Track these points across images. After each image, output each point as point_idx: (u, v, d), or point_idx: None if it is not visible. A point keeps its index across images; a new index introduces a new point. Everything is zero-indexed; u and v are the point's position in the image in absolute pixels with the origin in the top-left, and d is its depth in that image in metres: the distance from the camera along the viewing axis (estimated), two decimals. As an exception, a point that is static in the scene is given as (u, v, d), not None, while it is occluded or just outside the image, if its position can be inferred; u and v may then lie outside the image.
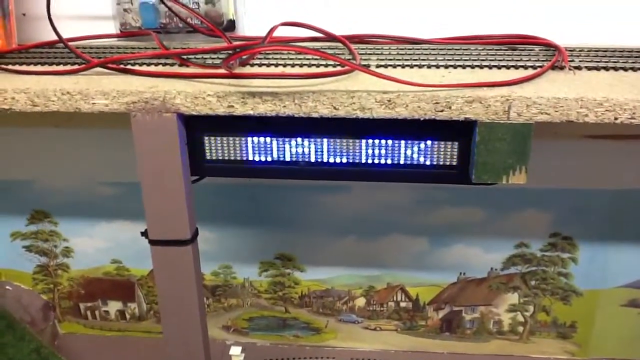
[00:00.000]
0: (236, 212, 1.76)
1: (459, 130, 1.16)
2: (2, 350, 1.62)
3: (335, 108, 1.12)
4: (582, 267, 1.73)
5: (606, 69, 1.24)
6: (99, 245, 1.84)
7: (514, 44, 1.40)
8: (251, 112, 1.14)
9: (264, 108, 1.13)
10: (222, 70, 1.17)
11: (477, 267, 1.77)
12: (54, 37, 1.28)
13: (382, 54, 1.35)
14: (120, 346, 1.98)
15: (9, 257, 1.89)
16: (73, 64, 1.28)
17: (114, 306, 1.95)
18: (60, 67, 1.27)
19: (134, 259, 1.85)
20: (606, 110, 1.08)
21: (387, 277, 1.82)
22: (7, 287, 1.91)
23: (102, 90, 1.15)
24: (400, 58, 1.30)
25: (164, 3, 1.39)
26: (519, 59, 1.29)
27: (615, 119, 1.09)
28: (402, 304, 1.85)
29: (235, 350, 0.97)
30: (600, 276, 1.75)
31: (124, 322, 1.97)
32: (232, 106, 1.14)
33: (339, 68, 1.18)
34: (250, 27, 1.50)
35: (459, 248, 1.74)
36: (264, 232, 1.78)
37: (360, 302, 1.86)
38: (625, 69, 1.24)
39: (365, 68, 1.16)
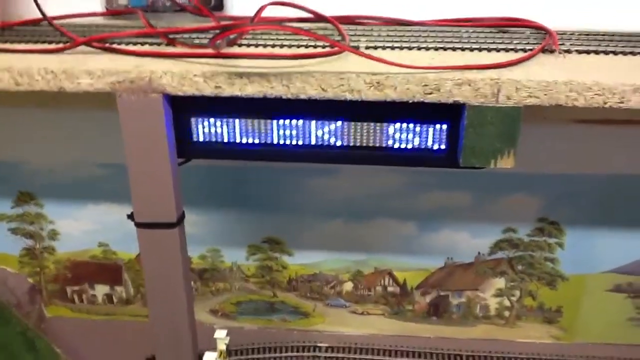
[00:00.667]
0: (224, 195, 1.75)
1: (448, 114, 1.16)
2: (-13, 333, 1.62)
3: (323, 89, 1.11)
4: (569, 252, 1.74)
5: (596, 52, 1.24)
6: (85, 228, 1.82)
7: (505, 26, 1.39)
8: (239, 93, 1.12)
9: (252, 89, 1.12)
10: (209, 50, 1.16)
11: (465, 252, 1.77)
12: (39, 15, 1.26)
13: (371, 35, 1.33)
14: (107, 330, 1.97)
15: (-6, 240, 1.88)
16: (58, 42, 1.26)
17: (101, 290, 1.94)
18: (45, 46, 1.25)
19: (121, 242, 1.84)
20: (595, 94, 1.08)
21: (375, 262, 1.82)
22: (-7, 269, 1.90)
23: (86, 70, 1.13)
24: (390, 40, 1.29)
25: (150, -18, 1.37)
26: (509, 41, 1.28)
27: (605, 103, 1.09)
28: (390, 289, 1.85)
29: (220, 334, 0.96)
30: (586, 261, 1.76)
31: (111, 305, 1.96)
32: (220, 87, 1.12)
33: (328, 49, 1.17)
34: (239, 6, 1.48)
35: (446, 233, 1.75)
36: (252, 215, 1.77)
37: (348, 286, 1.87)
38: (615, 53, 1.24)
39: (354, 49, 1.15)
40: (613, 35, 1.35)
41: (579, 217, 1.69)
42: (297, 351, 1.87)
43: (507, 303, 1.84)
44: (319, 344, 1.89)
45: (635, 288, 1.79)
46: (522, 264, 1.77)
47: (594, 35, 1.35)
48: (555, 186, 1.64)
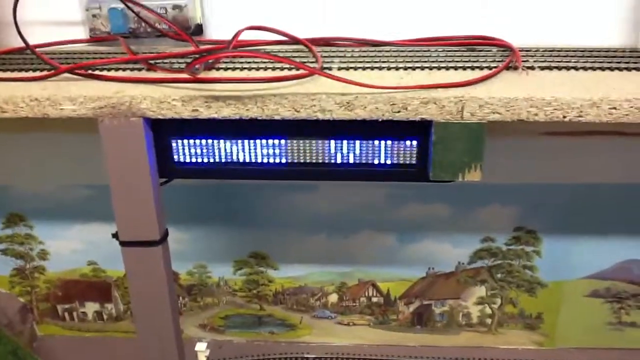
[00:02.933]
0: (209, 212, 1.80)
1: (417, 131, 1.21)
2: (-22, 353, 1.66)
3: (296, 110, 1.16)
4: (546, 259, 1.79)
5: (558, 68, 1.29)
6: (74, 247, 1.86)
7: (473, 45, 1.45)
8: (215, 116, 1.18)
9: (228, 111, 1.17)
10: (187, 75, 1.21)
11: (445, 262, 1.82)
12: (23, 44, 1.31)
13: (344, 56, 1.39)
14: (98, 346, 2.00)
15: (-15, 261, 1.92)
16: (42, 70, 1.31)
17: (91, 307, 1.97)
18: (30, 74, 1.30)
19: (109, 260, 1.88)
20: (555, 109, 1.14)
21: (359, 273, 1.87)
22: (-16, 290, 1.93)
23: (69, 96, 1.18)
24: (362, 60, 1.35)
25: (130, 9, 1.42)
26: (475, 60, 1.34)
27: (564, 117, 1.14)
28: (374, 299, 1.90)
29: (200, 346, 1.00)
30: (563, 268, 1.80)
31: (101, 322, 1.99)
32: (197, 110, 1.17)
33: (300, 72, 1.22)
34: (218, 30, 1.53)
35: (427, 243, 1.79)
36: (237, 231, 1.81)
37: (333, 298, 1.91)
38: (576, 69, 1.29)
39: (322, 71, 1.20)
40: (576, 50, 1.41)
41: (554, 226, 1.74)
42: (285, 363, 1.92)
43: (488, 311, 1.89)
44: (306, 355, 1.92)
45: (612, 293, 1.84)
46: (501, 272, 1.82)
47: (557, 51, 1.41)
48: (530, 196, 1.70)
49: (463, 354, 1.92)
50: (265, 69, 1.30)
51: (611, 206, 1.70)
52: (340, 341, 1.96)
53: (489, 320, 1.90)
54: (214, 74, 1.28)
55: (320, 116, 1.16)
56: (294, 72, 1.22)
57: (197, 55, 1.23)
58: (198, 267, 1.88)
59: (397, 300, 1.89)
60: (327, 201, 1.75)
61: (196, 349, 1.02)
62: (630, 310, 1.86)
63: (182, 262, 1.87)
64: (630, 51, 1.41)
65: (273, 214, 1.77)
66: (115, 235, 1.33)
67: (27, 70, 1.33)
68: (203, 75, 1.23)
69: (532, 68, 1.30)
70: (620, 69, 1.28)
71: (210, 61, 1.29)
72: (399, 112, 1.15)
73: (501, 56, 1.36)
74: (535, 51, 1.42)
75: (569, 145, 1.56)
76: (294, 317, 1.95)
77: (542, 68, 1.30)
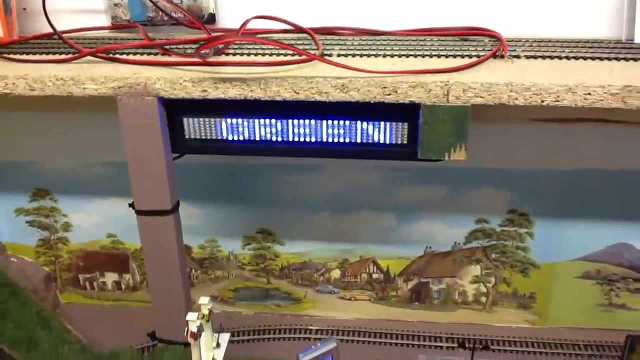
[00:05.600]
0: (221, 190, 1.91)
1: (407, 113, 1.31)
2: (7, 315, 1.79)
3: (296, 92, 1.27)
4: (539, 241, 1.87)
5: (543, 57, 1.38)
6: (95, 220, 2.00)
7: (465, 35, 1.54)
8: (222, 96, 1.29)
9: (234, 92, 1.29)
10: (198, 59, 1.32)
11: (442, 241, 1.92)
12: (51, 30, 1.44)
13: (344, 44, 1.49)
14: (116, 315, 2.14)
15: (14, 231, 2.06)
16: (67, 53, 1.43)
17: (110, 277, 2.11)
18: (56, 57, 1.43)
19: (127, 233, 2.01)
20: (533, 94, 1.23)
21: (360, 251, 1.97)
22: (12, 259, 2.07)
23: (91, 77, 1.31)
24: (360, 48, 1.45)
25: (149, -1, 1.54)
26: (466, 49, 1.43)
27: (542, 101, 1.24)
28: (375, 276, 2.00)
29: (203, 300, 1.12)
30: (555, 250, 1.89)
31: (119, 292, 2.13)
32: (206, 90, 1.29)
33: (301, 57, 1.33)
34: (229, 19, 1.64)
35: (424, 223, 1.89)
36: (246, 208, 1.93)
37: (336, 273, 2.02)
38: (560, 58, 1.38)
39: (322, 57, 1.31)
40: (563, 42, 1.49)
41: (546, 209, 1.82)
42: (290, 333, 2.03)
43: (483, 289, 1.98)
44: (310, 327, 2.04)
45: (603, 275, 1.92)
46: (495, 253, 1.91)
47: (545, 42, 1.49)
48: (522, 180, 1.78)
49: (459, 330, 2.02)
50: (270, 54, 1.41)
51: (602, 191, 1.77)
52: (343, 315, 2.07)
53: (483, 299, 2.00)
54: (222, 58, 1.39)
55: (318, 98, 1.27)
56: (295, 58, 1.33)
57: (203, 42, 1.34)
58: (209, 242, 2.01)
59: (396, 277, 2.00)
60: (331, 182, 1.85)
61: (199, 302, 1.13)
62: (620, 292, 1.93)
63: (195, 237, 1.99)
64: (615, 42, 1.49)
65: (280, 192, 1.88)
66: (131, 205, 1.45)
67: (54, 53, 1.45)
68: (212, 59, 1.35)
69: (518, 57, 1.39)
70: (601, 59, 1.37)
71: (220, 47, 1.40)
72: (389, 94, 1.25)
73: (492, 46, 1.45)
74: (525, 42, 1.50)
75: (560, 132, 1.64)
76: (298, 291, 2.06)
77: (528, 57, 1.39)
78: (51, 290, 2.12)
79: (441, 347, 1.95)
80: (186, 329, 1.08)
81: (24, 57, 1.44)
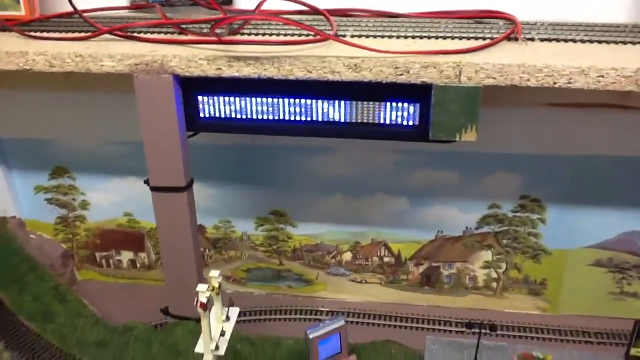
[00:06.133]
0: (235, 172, 1.94)
1: (420, 94, 1.32)
2: (25, 288, 1.84)
3: (309, 71, 1.29)
4: (550, 227, 1.87)
5: (557, 40, 1.38)
6: (112, 199, 2.04)
7: (481, 17, 1.54)
8: (237, 74, 1.31)
9: (248, 70, 1.31)
10: (213, 38, 1.34)
11: (454, 226, 1.92)
12: (72, 9, 1.47)
13: (359, 25, 1.50)
14: (131, 292, 2.18)
15: (33, 209, 2.11)
16: (87, 31, 1.46)
17: (126, 256, 2.15)
18: (75, 34, 1.46)
19: (143, 212, 2.04)
20: (546, 76, 1.23)
21: (372, 234, 1.99)
22: (31, 236, 2.12)
23: (109, 54, 1.34)
24: (374, 29, 1.46)
25: (167, -22, 1.56)
26: (480, 31, 1.43)
27: (554, 83, 1.24)
28: (386, 259, 2.02)
29: (214, 273, 1.14)
30: (567, 237, 1.88)
31: (134, 270, 2.17)
32: (220, 68, 1.31)
33: (315, 37, 1.34)
34: (245, 2, 1.65)
35: (436, 208, 1.90)
36: (260, 190, 1.95)
37: (347, 256, 2.04)
38: (574, 41, 1.38)
39: (336, 37, 1.32)
40: (578, 26, 1.49)
41: (559, 195, 1.82)
42: (301, 314, 2.05)
43: (494, 275, 1.99)
44: (321, 309, 2.06)
45: (615, 263, 1.91)
46: (507, 238, 1.92)
47: (561, 25, 1.49)
48: (535, 166, 1.78)
49: (469, 315, 2.02)
50: (285, 34, 1.43)
51: (615, 178, 1.77)
52: (353, 297, 2.09)
53: (494, 284, 2.00)
54: (237, 37, 1.41)
55: (330, 77, 1.29)
56: (310, 38, 1.35)
57: (222, 19, 1.36)
58: (223, 222, 2.04)
59: (407, 261, 2.01)
60: (344, 165, 1.87)
61: (210, 275, 1.16)
62: (632, 281, 1.93)
63: (209, 217, 2.02)
64: (631, 27, 1.48)
65: (293, 175, 1.90)
66: (146, 182, 1.48)
67: (73, 31, 1.48)
68: (227, 38, 1.36)
69: (532, 39, 1.39)
70: (616, 42, 1.36)
71: (235, 26, 1.42)
72: (401, 75, 1.26)
73: (506, 29, 1.45)
74: (540, 25, 1.50)
75: (574, 117, 1.64)
76: (310, 273, 2.09)
77: (542, 40, 1.39)
78: (68, 267, 2.16)
79: (450, 331, 1.96)
80: (196, 299, 1.10)
81: (44, 34, 1.47)
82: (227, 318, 1.26)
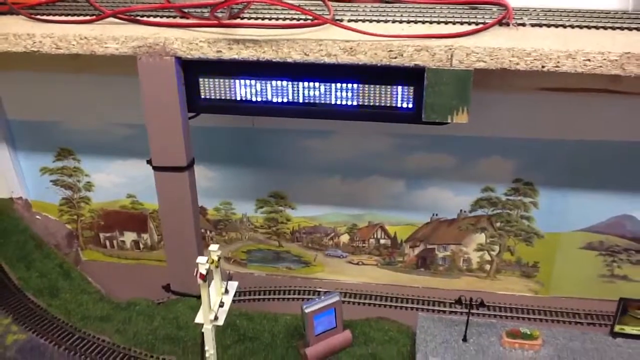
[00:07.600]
0: (236, 154, 1.98)
1: (413, 77, 1.36)
2: (31, 265, 1.89)
3: (306, 54, 1.33)
4: (543, 211, 1.92)
5: (547, 25, 1.42)
6: (116, 180, 2.09)
7: (475, 3, 1.58)
8: (236, 57, 1.36)
9: (247, 53, 1.35)
10: (214, 21, 1.39)
11: (448, 209, 1.97)
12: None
13: (356, 10, 1.54)
14: (134, 272, 2.23)
15: (39, 190, 2.16)
16: (92, 14, 1.51)
17: (129, 237, 2.21)
18: (81, 17, 1.50)
19: (146, 194, 2.09)
20: (534, 59, 1.28)
21: (369, 216, 2.04)
22: (37, 216, 2.18)
23: (113, 36, 1.38)
24: (371, 14, 1.50)
25: (170, -36, 1.60)
26: (474, 17, 1.47)
27: (543, 67, 1.28)
28: (382, 241, 2.07)
29: (213, 247, 1.19)
30: (559, 220, 1.93)
31: (137, 251, 2.23)
32: (220, 51, 1.36)
33: (312, 21, 1.38)
34: (246, -13, 1.70)
35: (432, 191, 1.95)
36: (260, 172, 2.00)
37: (345, 238, 2.09)
38: (564, 26, 1.42)
39: (332, 21, 1.36)
40: (570, 11, 1.53)
41: (552, 179, 1.86)
42: (300, 294, 2.10)
43: (487, 257, 2.03)
44: (318, 289, 2.11)
45: (606, 246, 1.95)
46: (500, 221, 1.96)
47: (552, 11, 1.53)
48: (528, 150, 1.82)
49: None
50: (284, 19, 1.47)
51: (607, 163, 1.81)
52: (350, 279, 2.15)
53: (487, 267, 2.05)
54: (237, 21, 1.45)
55: (327, 60, 1.33)
56: (307, 22, 1.39)
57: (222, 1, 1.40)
58: (224, 204, 2.09)
59: (403, 243, 2.06)
60: (343, 148, 1.91)
61: (210, 249, 1.21)
62: (622, 264, 1.97)
63: (210, 199, 2.07)
64: (622, 13, 1.52)
65: (293, 157, 1.95)
66: (149, 162, 1.53)
67: (78, 15, 1.53)
68: (228, 21, 1.41)
69: (523, 25, 1.43)
70: (605, 28, 1.40)
71: (236, 10, 1.46)
72: (395, 58, 1.31)
73: (500, 14, 1.49)
74: (533, 11, 1.54)
75: (566, 102, 1.67)
76: (309, 255, 2.14)
77: (533, 25, 1.43)
78: (73, 247, 2.22)
79: (444, 311, 2.01)
80: (195, 269, 1.15)
81: (51, 17, 1.51)
82: (226, 291, 1.31)
